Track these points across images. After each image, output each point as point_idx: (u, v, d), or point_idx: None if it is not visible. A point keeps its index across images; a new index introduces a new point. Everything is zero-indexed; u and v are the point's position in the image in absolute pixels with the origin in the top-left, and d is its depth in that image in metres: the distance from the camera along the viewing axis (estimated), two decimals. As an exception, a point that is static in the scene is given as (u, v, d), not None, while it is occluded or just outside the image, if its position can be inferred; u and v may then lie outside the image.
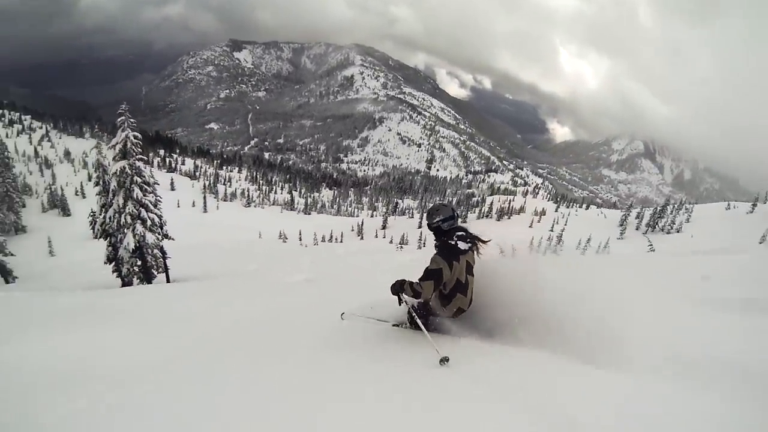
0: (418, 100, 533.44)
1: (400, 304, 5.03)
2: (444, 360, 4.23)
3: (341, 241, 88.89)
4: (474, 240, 5.15)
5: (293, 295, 9.89)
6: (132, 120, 24.21)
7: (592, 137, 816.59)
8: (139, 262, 26.56)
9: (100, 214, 26.90)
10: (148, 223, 25.11)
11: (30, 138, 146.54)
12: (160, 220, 27.02)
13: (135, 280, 26.98)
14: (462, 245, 4.91)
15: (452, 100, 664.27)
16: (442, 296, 5.03)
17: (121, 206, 24.29)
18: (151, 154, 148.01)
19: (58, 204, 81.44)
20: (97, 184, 27.96)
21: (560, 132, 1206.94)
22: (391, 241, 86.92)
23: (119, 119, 23.94)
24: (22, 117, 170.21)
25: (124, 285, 26.35)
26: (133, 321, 7.72)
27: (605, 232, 75.56)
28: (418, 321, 4.87)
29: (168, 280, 28.88)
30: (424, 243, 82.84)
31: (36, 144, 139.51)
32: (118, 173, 23.80)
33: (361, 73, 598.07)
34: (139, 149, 24.69)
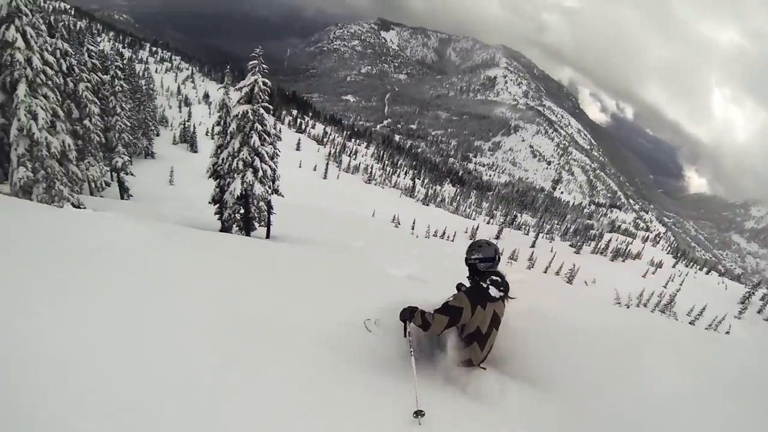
0: (556, 116, 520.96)
1: (405, 335, 4.29)
2: (418, 414, 3.52)
3: (453, 240, 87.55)
4: (507, 290, 4.47)
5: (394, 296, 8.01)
6: (264, 66, 23.39)
7: (730, 196, 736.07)
8: (242, 210, 26.13)
9: (215, 155, 26.39)
10: (260, 173, 24.34)
11: (176, 77, 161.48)
12: (274, 173, 26.21)
13: (234, 228, 26.59)
14: (494, 292, 4.32)
15: (590, 124, 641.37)
16: (457, 339, 4.45)
17: (235, 150, 23.60)
18: (283, 112, 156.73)
19: (188, 140, 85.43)
20: (217, 124, 27.32)
21: (696, 182, 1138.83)
22: (501, 252, 79.69)
23: (251, 63, 23.21)
24: (173, 57, 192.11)
25: (223, 229, 26.33)
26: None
27: (723, 305, 70.54)
28: (412, 359, 4.08)
29: (268, 236, 28.52)
30: (534, 264, 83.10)
31: (180, 83, 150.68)
32: (239, 116, 23.07)
33: (504, 77, 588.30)
34: (266, 97, 23.79)
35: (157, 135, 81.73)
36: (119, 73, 40.49)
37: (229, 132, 24.31)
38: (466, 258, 4.67)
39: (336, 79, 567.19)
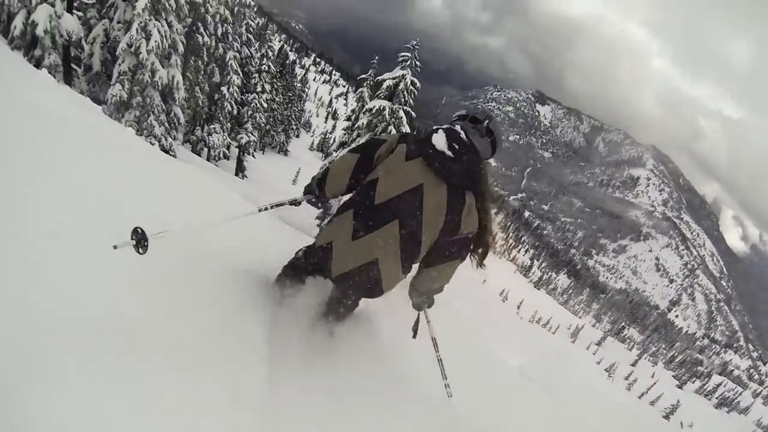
0: (692, 233, 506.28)
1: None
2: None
3: (554, 333, 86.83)
4: (471, 172, 2.64)
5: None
6: (418, 62, 19.54)
7: None
8: None
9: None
10: None
11: (331, 90, 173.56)
12: None
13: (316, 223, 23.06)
14: (440, 144, 2.56)
15: (726, 250, 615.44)
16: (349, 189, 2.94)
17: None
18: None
19: (324, 150, 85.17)
20: (348, 119, 24.10)
21: None
22: (599, 363, 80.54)
23: (402, 54, 19.50)
24: (333, 72, 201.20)
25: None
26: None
27: None
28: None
29: None
30: (631, 386, 79.45)
31: (333, 96, 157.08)
32: (373, 111, 19.43)
33: (648, 179, 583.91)
34: (411, 99, 19.95)
35: (297, 136, 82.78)
36: (269, 53, 40.62)
37: (356, 128, 20.60)
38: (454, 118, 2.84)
39: None
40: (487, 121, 2.71)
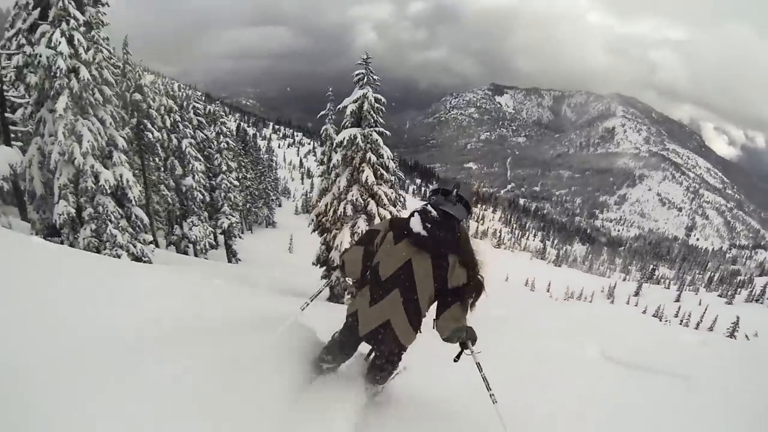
0: (682, 158, 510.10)
1: (456, 360, 3.43)
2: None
3: (591, 301, 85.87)
4: (443, 241, 3.27)
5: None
6: (375, 77, 17.49)
7: None
8: None
9: (317, 202, 20.68)
10: (376, 221, 17.46)
11: (298, 151, 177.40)
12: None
13: (347, 296, 20.34)
14: (415, 224, 3.27)
15: (719, 160, 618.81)
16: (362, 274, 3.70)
17: (341, 191, 17.76)
18: (407, 182, 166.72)
19: (310, 210, 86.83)
20: (321, 163, 22.10)
21: None
22: (644, 311, 76.57)
23: (356, 73, 17.34)
24: (294, 133, 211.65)
25: (331, 299, 21.07)
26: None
27: None
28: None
29: None
30: (685, 320, 79.17)
31: (302, 156, 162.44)
32: (344, 144, 17.24)
33: (623, 125, 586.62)
34: (381, 118, 17.83)
35: (279, 205, 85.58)
36: (224, 129, 39.64)
37: (332, 168, 18.50)
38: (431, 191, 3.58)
39: (456, 148, 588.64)
40: (455, 190, 3.22)
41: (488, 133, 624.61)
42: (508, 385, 5.56)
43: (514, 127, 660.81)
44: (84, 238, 16.82)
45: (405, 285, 3.24)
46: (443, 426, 3.67)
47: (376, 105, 17.55)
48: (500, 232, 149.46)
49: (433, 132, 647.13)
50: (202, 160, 33.57)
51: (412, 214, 3.28)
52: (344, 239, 17.46)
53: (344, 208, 17.52)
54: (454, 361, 3.34)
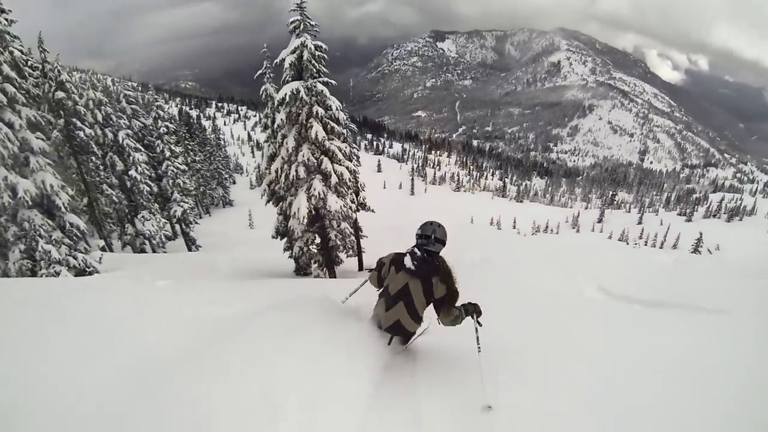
0: (629, 85, 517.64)
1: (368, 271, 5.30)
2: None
3: (557, 232, 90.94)
4: (427, 272, 4.55)
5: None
6: (312, 22, 15.60)
7: None
8: (318, 240, 18.78)
9: (267, 169, 19.00)
10: (332, 179, 16.47)
11: (245, 125, 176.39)
12: (355, 180, 19.74)
13: (314, 266, 19.26)
14: (407, 261, 4.60)
15: (665, 85, 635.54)
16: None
17: (290, 152, 15.91)
18: (358, 138, 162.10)
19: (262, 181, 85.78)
20: (265, 128, 20.27)
21: None
22: (610, 236, 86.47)
23: (291, 21, 15.38)
24: (239, 107, 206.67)
25: (298, 270, 20.21)
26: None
27: None
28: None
29: (361, 267, 22.76)
30: (651, 240, 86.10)
31: (249, 129, 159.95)
32: (287, 100, 15.31)
33: (568, 59, 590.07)
34: (323, 66, 16.05)
35: (234, 183, 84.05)
36: (161, 113, 36.62)
37: (277, 129, 16.70)
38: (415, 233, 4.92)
39: (403, 99, 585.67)
40: (433, 235, 4.52)
41: (434, 80, 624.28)
42: (524, 331, 6.83)
43: (459, 71, 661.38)
44: (15, 262, 15.12)
45: (406, 298, 4.52)
46: (447, 362, 4.89)
47: (317, 53, 15.75)
48: (458, 175, 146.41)
49: (377, 86, 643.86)
50: (142, 150, 31.78)
51: (406, 254, 4.57)
52: (301, 205, 15.91)
53: (296, 171, 15.88)
54: (478, 325, 4.68)
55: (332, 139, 16.52)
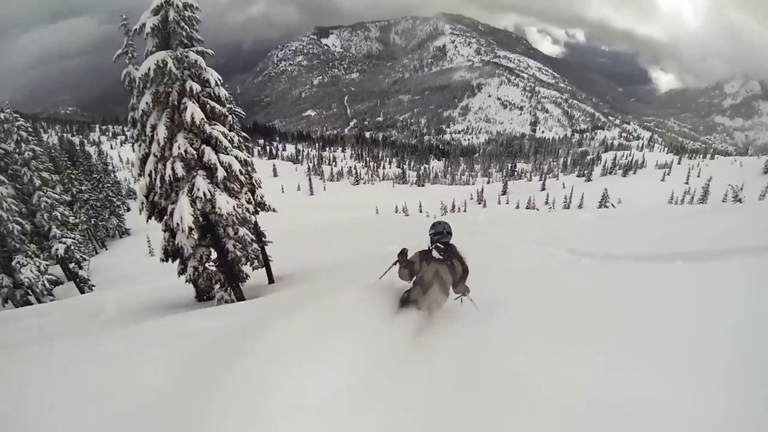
0: (513, 62, 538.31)
1: (389, 269, 6.42)
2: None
3: (465, 210, 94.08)
4: (449, 257, 5.81)
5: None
6: None
7: (701, 82, 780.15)
8: (213, 255, 14.91)
9: (140, 173, 14.47)
10: (220, 173, 12.87)
11: (133, 146, 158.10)
12: (249, 174, 16.25)
13: (217, 287, 15.18)
14: (435, 254, 5.76)
15: (548, 59, 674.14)
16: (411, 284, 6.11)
17: (163, 144, 12.27)
18: (250, 144, 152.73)
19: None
20: (132, 124, 15.67)
21: (664, 80, 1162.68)
22: (517, 206, 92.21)
23: None
24: (124, 128, 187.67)
25: (200, 297, 16.19)
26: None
27: (748, 182, 70.56)
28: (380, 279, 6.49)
29: (272, 280, 19.69)
30: (558, 202, 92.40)
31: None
32: (152, 76, 11.71)
33: (453, 42, 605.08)
34: (196, 31, 12.51)
35: (128, 210, 76.33)
36: (23, 135, 30.42)
37: (142, 116, 12.74)
38: (429, 233, 6.14)
39: (291, 99, 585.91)
40: (444, 229, 5.79)
41: (321, 77, 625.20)
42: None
43: (346, 65, 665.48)
44: None
45: (439, 280, 5.59)
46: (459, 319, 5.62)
47: (187, 13, 12.09)
48: (355, 168, 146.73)
49: (265, 90, 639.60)
50: (6, 181, 26.18)
51: (431, 250, 5.68)
52: (183, 212, 12.13)
53: (172, 169, 12.14)
54: (459, 298, 5.90)
55: (214, 124, 13.00)
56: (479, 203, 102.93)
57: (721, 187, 69.81)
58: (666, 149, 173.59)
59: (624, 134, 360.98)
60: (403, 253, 5.92)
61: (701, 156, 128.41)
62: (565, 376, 3.55)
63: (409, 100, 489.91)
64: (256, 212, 17.29)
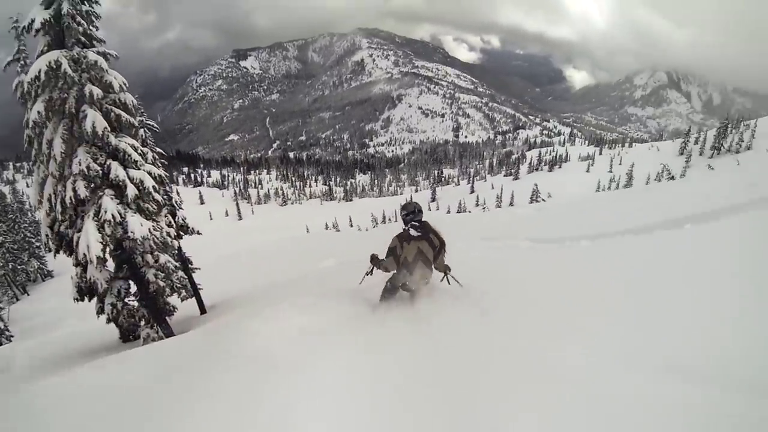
0: (432, 71, 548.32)
1: (366, 275, 6.67)
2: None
3: (396, 221, 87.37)
4: (426, 232, 6.04)
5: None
6: None
7: (612, 77, 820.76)
8: (133, 288, 12.81)
9: (39, 201, 12.27)
10: (130, 191, 11.05)
11: (31, 169, 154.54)
12: (167, 193, 14.75)
13: (143, 325, 13.21)
14: (413, 232, 5.94)
15: (465, 66, 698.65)
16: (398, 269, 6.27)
17: (60, 160, 10.54)
18: (174, 173, 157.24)
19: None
20: (29, 142, 12.69)
21: (578, 78, 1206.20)
22: (448, 211, 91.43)
23: None
24: None
25: (124, 337, 13.96)
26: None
27: (668, 163, 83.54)
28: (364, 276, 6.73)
29: (203, 310, 17.84)
30: (492, 203, 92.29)
31: None
32: (43, 80, 9.90)
33: (371, 55, 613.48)
34: (94, 25, 10.71)
35: (50, 250, 69.26)
36: None
37: (34, 127, 10.61)
38: (401, 216, 6.40)
39: (213, 125, 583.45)
40: (415, 208, 6.06)
41: (241, 101, 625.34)
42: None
43: (266, 87, 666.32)
44: None
45: (422, 257, 5.77)
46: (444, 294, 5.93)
47: (85, 7, 10.36)
48: (282, 189, 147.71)
49: (186, 117, 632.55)
50: None
51: (409, 230, 5.83)
52: (90, 239, 10.31)
53: (74, 189, 10.33)
54: (444, 278, 6.13)
55: (121, 135, 11.22)
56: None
57: (643, 171, 78.83)
58: (587, 142, 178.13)
59: (545, 132, 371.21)
60: (374, 258, 6.20)
61: (620, 145, 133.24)
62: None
63: (331, 116, 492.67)
64: (178, 236, 15.70)
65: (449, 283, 6.10)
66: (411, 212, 6.10)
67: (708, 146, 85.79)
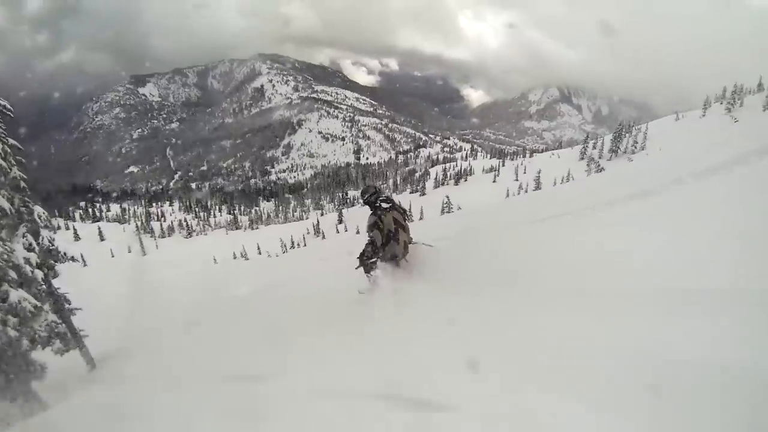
0: (331, 95, 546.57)
1: (357, 268, 7.82)
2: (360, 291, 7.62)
3: (305, 245, 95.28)
4: (393, 202, 7.54)
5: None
6: None
7: (508, 94, 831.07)
8: None
9: None
10: None
11: None
12: (25, 203, 12.35)
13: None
14: (384, 205, 7.33)
15: (365, 89, 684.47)
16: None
17: None
18: (71, 208, 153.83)
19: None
20: None
21: (475, 96, 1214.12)
22: (357, 232, 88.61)
23: None
24: None
25: None
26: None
27: (571, 168, 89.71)
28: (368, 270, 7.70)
29: (93, 365, 13.75)
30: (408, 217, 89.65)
31: None
32: None
33: (270, 81, 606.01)
34: None
35: None
36: None
37: None
38: (363, 202, 7.69)
39: (112, 156, 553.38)
40: (374, 188, 7.66)
41: (140, 130, 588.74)
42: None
43: (165, 115, 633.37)
44: None
45: (399, 224, 7.08)
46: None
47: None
48: (186, 221, 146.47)
49: (82, 148, 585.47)
50: None
51: (381, 204, 7.25)
52: None
53: None
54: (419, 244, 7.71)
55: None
56: (317, 236, 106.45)
57: (550, 177, 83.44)
58: (489, 156, 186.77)
59: (446, 149, 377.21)
60: (364, 251, 7.53)
61: (521, 156, 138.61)
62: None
63: (232, 144, 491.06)
64: (42, 263, 11.95)
65: (424, 247, 7.52)
66: (373, 192, 7.47)
67: (606, 150, 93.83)
